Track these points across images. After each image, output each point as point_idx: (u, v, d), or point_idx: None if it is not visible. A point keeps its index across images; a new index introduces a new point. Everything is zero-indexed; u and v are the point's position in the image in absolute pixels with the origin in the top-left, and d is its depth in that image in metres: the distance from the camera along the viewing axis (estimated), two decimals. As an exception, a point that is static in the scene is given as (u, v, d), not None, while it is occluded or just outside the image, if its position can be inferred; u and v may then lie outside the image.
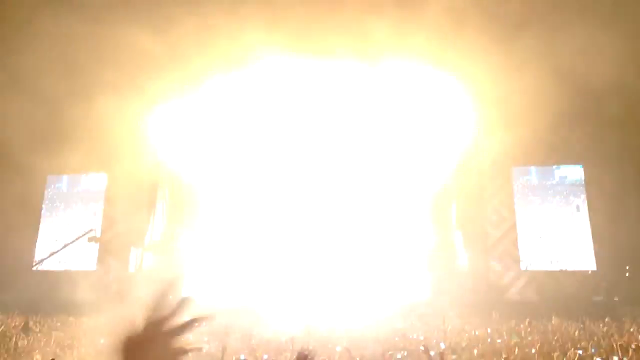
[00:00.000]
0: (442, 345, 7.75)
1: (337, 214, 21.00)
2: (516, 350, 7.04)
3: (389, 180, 19.09)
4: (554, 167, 20.53)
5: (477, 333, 9.81)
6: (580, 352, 6.14)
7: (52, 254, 20.15)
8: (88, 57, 16.88)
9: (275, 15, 15.98)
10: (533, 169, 20.61)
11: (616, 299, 16.96)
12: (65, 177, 22.66)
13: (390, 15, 15.92)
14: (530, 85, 16.00)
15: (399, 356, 6.21)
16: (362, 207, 20.21)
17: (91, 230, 16.58)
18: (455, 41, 16.11)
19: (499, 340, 8.45)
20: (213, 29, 16.23)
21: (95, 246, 21.29)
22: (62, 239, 21.67)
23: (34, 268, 20.97)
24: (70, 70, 17.02)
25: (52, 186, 22.69)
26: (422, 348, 5.97)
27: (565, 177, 20.42)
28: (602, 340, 7.77)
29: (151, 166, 21.17)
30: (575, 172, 20.39)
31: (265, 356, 6.27)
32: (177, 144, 21.18)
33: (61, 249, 19.93)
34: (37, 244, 21.59)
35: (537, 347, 7.28)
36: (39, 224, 21.98)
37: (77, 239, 17.61)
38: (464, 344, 7.96)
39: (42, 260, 20.25)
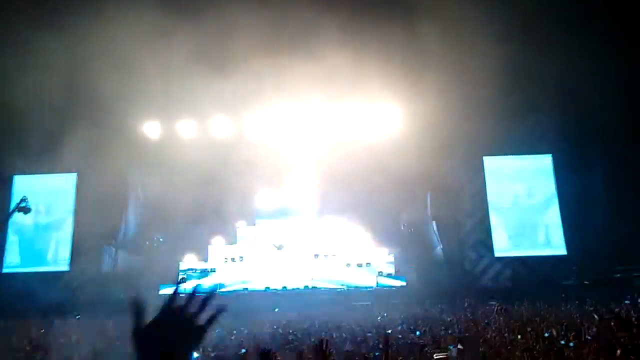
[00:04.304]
0: (418, 333, 7.90)
1: (319, 207, 21.22)
2: (489, 334, 7.21)
3: (368, 172, 19.23)
4: (524, 156, 20.95)
5: (451, 319, 9.99)
6: (547, 334, 6.32)
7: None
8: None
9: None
10: (504, 158, 21.00)
11: (586, 282, 17.50)
12: (33, 177, 21.87)
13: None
14: (498, 79, 16.32)
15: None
16: (342, 201, 20.36)
17: (22, 200, 15.77)
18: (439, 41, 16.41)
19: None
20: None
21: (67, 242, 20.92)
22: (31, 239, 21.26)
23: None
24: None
25: (20, 186, 21.96)
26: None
27: (535, 166, 20.87)
28: (568, 322, 8.01)
29: (123, 165, 20.74)
30: (544, 162, 20.87)
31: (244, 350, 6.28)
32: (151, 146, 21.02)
33: (5, 221, 19.14)
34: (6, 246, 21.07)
35: (508, 330, 7.48)
36: (7, 225, 21.29)
37: (12, 212, 16.95)
38: (442, 332, 8.10)
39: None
